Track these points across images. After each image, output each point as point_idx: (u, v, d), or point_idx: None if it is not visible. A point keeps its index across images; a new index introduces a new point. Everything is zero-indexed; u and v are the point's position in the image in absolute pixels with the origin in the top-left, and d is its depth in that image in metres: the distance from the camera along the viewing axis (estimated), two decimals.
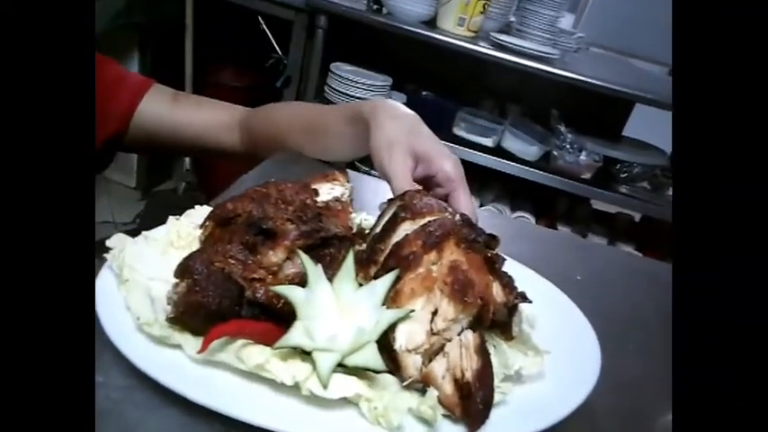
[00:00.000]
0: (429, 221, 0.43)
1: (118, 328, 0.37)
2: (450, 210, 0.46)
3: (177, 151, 0.82)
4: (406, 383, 0.37)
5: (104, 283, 0.40)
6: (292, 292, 0.38)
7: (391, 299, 0.39)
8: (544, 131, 1.94)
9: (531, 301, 0.42)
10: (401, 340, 0.38)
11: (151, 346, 0.37)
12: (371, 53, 1.99)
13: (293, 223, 0.44)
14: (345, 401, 0.35)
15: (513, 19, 1.90)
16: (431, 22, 1.78)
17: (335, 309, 0.39)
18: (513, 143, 1.89)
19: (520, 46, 1.69)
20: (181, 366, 0.36)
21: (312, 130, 0.71)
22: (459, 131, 1.91)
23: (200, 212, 0.50)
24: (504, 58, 1.68)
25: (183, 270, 0.38)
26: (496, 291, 0.41)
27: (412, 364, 0.37)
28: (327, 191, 0.51)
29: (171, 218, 0.49)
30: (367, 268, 0.42)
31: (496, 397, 0.37)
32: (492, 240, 0.44)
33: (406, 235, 0.42)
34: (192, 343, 0.37)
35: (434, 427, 0.35)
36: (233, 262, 0.40)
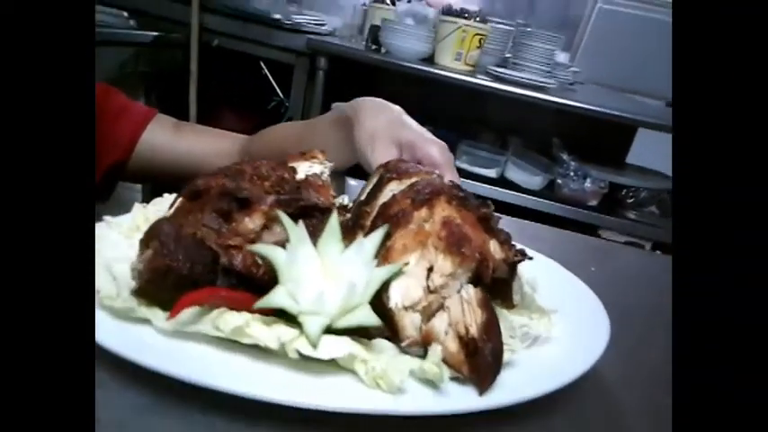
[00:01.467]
0: (416, 181, 0.40)
1: None
2: (437, 173, 0.43)
3: (179, 180, 0.83)
4: (405, 344, 0.33)
5: None
6: (273, 253, 0.34)
7: (382, 257, 0.36)
8: (547, 161, 1.92)
9: (531, 258, 0.39)
10: (396, 298, 0.34)
11: (115, 323, 0.33)
12: (371, 92, 1.97)
13: (270, 194, 0.40)
14: (339, 367, 0.31)
15: (509, 55, 1.92)
16: (428, 60, 1.80)
17: (321, 271, 0.35)
18: (516, 173, 1.87)
19: (517, 77, 1.70)
20: (150, 341, 0.32)
21: (305, 143, 0.71)
22: (461, 164, 1.87)
23: (168, 200, 0.46)
24: (502, 89, 1.69)
25: (150, 235, 0.34)
26: (494, 248, 0.38)
27: (410, 323, 0.34)
28: (306, 169, 0.48)
29: (137, 204, 0.45)
30: (353, 234, 0.39)
31: (505, 355, 0.33)
32: (483, 204, 0.42)
33: (394, 195, 0.39)
34: (160, 316, 0.33)
35: (440, 389, 0.31)
36: (206, 230, 0.36)
